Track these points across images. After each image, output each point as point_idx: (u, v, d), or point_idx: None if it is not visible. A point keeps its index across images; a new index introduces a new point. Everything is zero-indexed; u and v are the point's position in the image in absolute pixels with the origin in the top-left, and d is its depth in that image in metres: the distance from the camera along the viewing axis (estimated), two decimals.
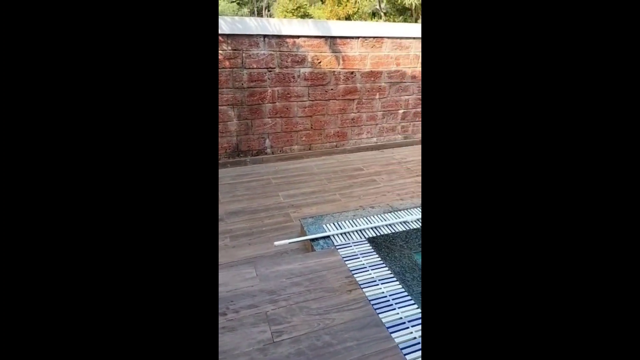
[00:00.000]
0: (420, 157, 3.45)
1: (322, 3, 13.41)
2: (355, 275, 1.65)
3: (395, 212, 2.23)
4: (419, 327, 1.38)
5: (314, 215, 2.26)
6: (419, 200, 2.43)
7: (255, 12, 20.28)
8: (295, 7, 12.66)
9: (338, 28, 3.13)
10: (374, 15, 9.53)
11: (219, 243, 2.11)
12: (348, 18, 11.30)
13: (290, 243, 2.05)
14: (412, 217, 2.16)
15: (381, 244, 1.91)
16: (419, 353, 1.27)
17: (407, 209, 2.27)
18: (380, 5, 9.22)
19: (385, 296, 1.53)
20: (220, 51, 2.91)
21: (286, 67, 3.09)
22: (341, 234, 2.00)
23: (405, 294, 1.54)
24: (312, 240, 1.95)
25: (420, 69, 3.51)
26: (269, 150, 3.35)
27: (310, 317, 1.41)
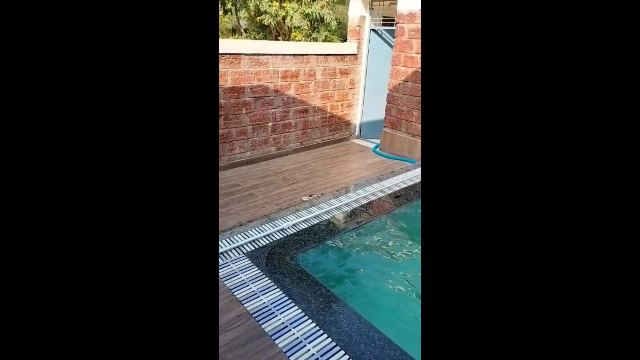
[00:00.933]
0: (295, 166, 3.64)
1: None
2: (235, 293, 1.63)
3: (273, 222, 2.30)
4: (300, 326, 1.45)
5: None
6: (295, 207, 2.56)
7: None
8: None
9: None
10: (234, 31, 9.61)
11: None
12: None
13: None
14: (288, 224, 2.26)
15: (260, 255, 1.94)
16: (302, 351, 1.34)
17: (283, 217, 2.36)
18: (239, 22, 9.36)
19: (267, 305, 1.56)
20: None
21: None
22: (220, 254, 1.95)
23: (286, 298, 1.61)
24: None
25: (280, 84, 3.71)
26: None
27: None
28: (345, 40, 4.19)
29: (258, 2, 7.55)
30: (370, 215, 2.46)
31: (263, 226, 2.25)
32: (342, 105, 4.37)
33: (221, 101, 3.35)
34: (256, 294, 1.63)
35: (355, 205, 2.58)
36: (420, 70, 3.61)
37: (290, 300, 1.59)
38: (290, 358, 1.30)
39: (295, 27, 7.51)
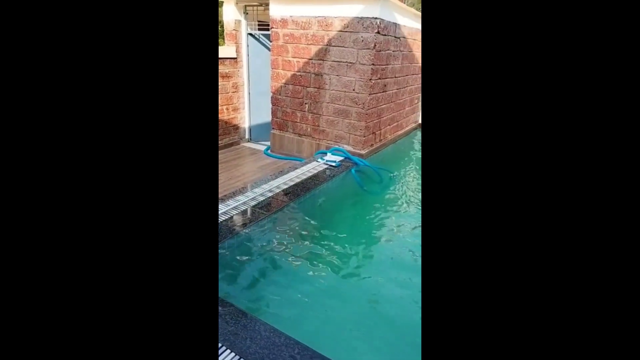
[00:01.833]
0: None
1: None
2: None
3: None
4: None
5: None
6: None
7: None
8: None
9: None
10: None
11: None
12: None
13: None
14: None
15: None
16: None
17: None
18: None
19: None
20: None
21: None
22: None
23: None
24: None
25: None
26: None
27: None
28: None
29: None
30: (256, 217, 2.51)
31: None
32: (227, 109, 4.31)
33: None
34: None
35: (243, 207, 2.59)
36: (297, 73, 3.81)
37: None
38: None
39: None
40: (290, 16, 3.63)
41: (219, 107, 4.18)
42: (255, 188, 2.90)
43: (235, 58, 4.22)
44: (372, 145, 3.96)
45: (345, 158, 3.56)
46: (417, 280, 2.06)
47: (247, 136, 4.65)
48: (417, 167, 4.14)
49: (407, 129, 5.21)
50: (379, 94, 3.78)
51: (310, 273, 2.05)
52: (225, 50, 4.10)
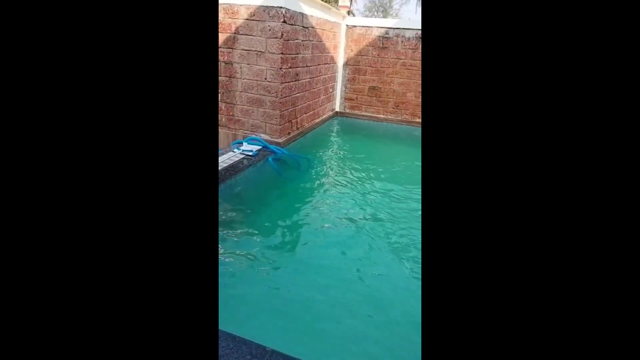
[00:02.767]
0: None
1: None
2: None
3: None
4: None
5: None
6: None
7: None
8: None
9: None
10: None
11: None
12: None
13: None
14: None
15: None
16: None
17: None
18: None
19: None
20: None
21: None
22: None
23: None
24: None
25: None
26: None
27: None
28: None
29: None
30: None
31: None
32: None
33: None
34: None
35: None
36: None
37: None
38: None
39: None
40: None
41: None
42: None
43: None
44: (289, 133, 4.05)
45: (263, 147, 3.59)
46: (338, 253, 2.23)
47: None
48: (335, 154, 4.36)
49: (324, 117, 5.42)
50: (292, 83, 3.86)
51: (231, 261, 2.07)
52: None
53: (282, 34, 3.37)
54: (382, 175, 3.54)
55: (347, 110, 5.97)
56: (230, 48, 3.55)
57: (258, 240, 2.32)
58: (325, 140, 4.83)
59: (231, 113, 3.83)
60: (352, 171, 3.63)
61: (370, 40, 5.46)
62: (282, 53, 3.44)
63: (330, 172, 3.67)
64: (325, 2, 4.51)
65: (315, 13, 4.19)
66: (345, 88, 5.88)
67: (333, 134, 5.14)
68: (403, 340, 1.58)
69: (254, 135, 3.77)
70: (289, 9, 3.39)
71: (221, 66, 3.65)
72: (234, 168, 3.10)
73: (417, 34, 5.21)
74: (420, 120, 5.60)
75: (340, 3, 7.39)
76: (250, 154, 3.38)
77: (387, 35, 5.36)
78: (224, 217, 2.53)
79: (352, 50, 5.62)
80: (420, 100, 5.50)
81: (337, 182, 3.38)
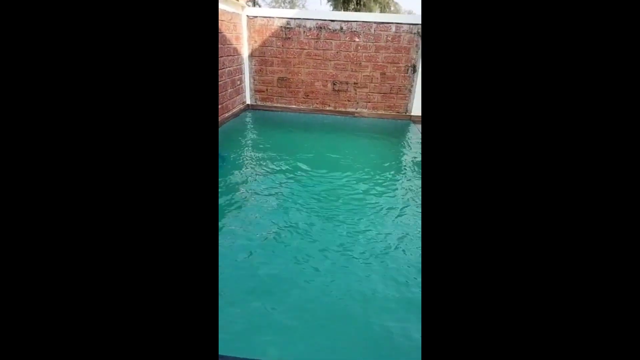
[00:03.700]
0: None
1: None
2: None
3: None
4: None
5: None
6: None
7: None
8: None
9: None
10: None
11: None
12: None
13: None
14: None
15: None
16: None
17: None
18: None
19: None
20: None
21: None
22: None
23: None
24: None
25: None
26: None
27: None
28: None
29: None
30: None
31: None
32: None
33: None
34: None
35: None
36: None
37: None
38: None
39: None
40: None
41: None
42: None
43: None
44: None
45: None
46: (259, 243, 2.23)
47: None
48: (253, 147, 4.31)
49: (234, 110, 5.29)
50: None
51: None
52: None
53: None
54: (293, 164, 3.62)
55: (259, 103, 5.92)
56: None
57: None
58: (239, 134, 4.73)
59: None
60: (261, 163, 3.64)
61: (273, 30, 5.45)
62: None
63: (247, 166, 3.63)
64: None
65: None
66: (254, 80, 5.81)
67: (245, 128, 5.06)
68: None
69: None
70: None
71: None
72: None
73: (317, 23, 5.37)
74: (330, 108, 5.82)
75: None
76: None
77: (289, 26, 5.42)
78: None
79: (255, 41, 5.55)
80: (327, 88, 5.72)
81: (258, 172, 3.35)
